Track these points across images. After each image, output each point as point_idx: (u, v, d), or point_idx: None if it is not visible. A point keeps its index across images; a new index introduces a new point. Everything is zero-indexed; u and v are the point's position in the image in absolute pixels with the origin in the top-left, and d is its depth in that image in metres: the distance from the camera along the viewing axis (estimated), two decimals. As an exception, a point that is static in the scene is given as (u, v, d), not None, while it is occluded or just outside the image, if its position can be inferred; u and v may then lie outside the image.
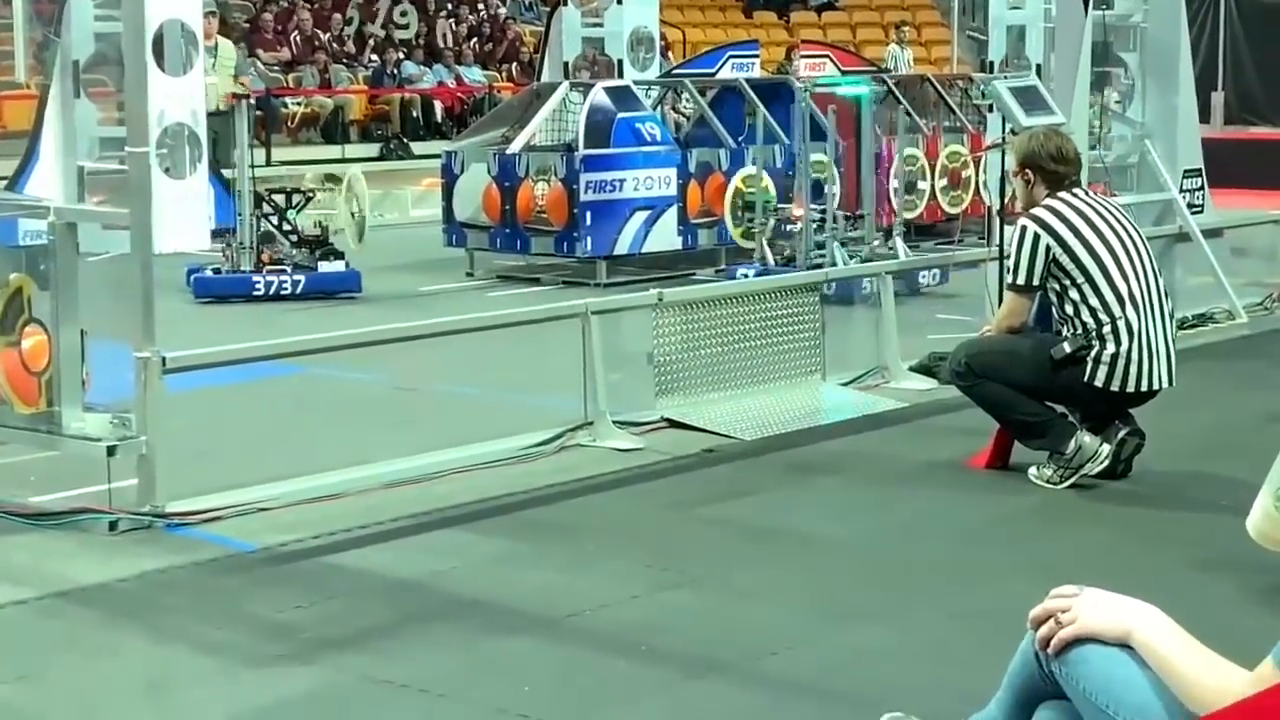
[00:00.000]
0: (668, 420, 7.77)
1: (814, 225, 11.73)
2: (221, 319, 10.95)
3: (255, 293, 11.56)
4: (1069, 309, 6.82)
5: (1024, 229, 6.81)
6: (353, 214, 12.31)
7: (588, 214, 12.30)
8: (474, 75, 24.18)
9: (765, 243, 11.94)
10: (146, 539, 6.02)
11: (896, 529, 6.33)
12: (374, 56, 23.55)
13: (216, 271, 11.71)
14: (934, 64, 27.69)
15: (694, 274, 12.77)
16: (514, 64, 25.24)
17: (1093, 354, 6.76)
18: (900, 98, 14.60)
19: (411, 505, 6.47)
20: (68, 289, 6.27)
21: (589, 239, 12.32)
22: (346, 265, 11.91)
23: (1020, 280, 6.83)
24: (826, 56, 16.36)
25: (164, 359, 6.13)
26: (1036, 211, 6.84)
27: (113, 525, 6.05)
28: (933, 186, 14.45)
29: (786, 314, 8.40)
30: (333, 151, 21.37)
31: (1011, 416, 6.91)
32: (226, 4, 22.68)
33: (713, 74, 15.88)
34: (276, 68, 22.39)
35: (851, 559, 5.96)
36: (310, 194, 12.43)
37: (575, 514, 6.51)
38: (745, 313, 8.23)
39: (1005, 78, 9.12)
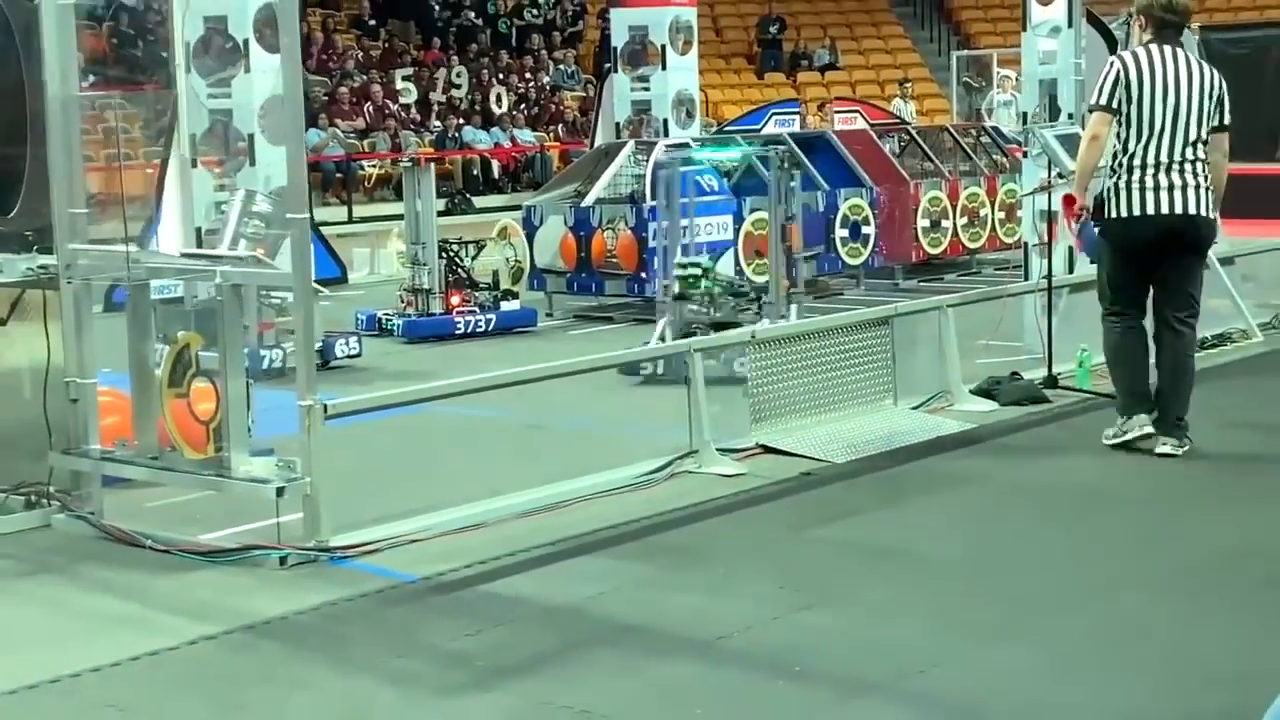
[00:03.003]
0: (763, 446, 7.45)
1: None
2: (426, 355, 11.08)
3: (457, 332, 11.62)
4: (1115, 141, 7.17)
5: (1111, 62, 7.23)
6: (507, 259, 12.28)
7: (656, 258, 11.97)
8: (526, 136, 23.93)
9: None
10: (314, 572, 5.71)
11: (1003, 545, 6.00)
12: (438, 122, 23.30)
13: (405, 316, 11.79)
14: (926, 115, 27.43)
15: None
16: (560, 125, 24.99)
17: (1109, 187, 7.15)
18: (923, 146, 14.31)
19: (547, 534, 6.15)
20: (234, 344, 5.96)
21: (657, 280, 11.98)
22: (522, 305, 12.13)
23: (1100, 101, 7.12)
24: (857, 111, 16.10)
25: (325, 406, 5.83)
26: (1124, 51, 7.36)
27: (283, 560, 5.75)
28: (954, 225, 14.15)
29: (863, 345, 8.09)
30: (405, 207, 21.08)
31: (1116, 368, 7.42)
32: (308, 80, 22.45)
33: (758, 129, 15.60)
34: (352, 135, 22.13)
35: (968, 576, 5.62)
36: (483, 244, 12.43)
37: (699, 538, 6.19)
38: (827, 345, 7.93)
39: (1051, 126, 8.80)
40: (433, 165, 12.15)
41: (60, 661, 4.83)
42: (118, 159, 7.67)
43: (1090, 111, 7.28)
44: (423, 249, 11.72)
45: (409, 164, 12.23)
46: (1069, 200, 7.41)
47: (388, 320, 11.78)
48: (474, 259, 12.17)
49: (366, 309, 12.16)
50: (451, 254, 11.97)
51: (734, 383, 8.20)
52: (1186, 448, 7.06)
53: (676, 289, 9.69)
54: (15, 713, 4.53)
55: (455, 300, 11.77)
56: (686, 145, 12.89)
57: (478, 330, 11.66)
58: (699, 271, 9.66)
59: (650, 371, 9.31)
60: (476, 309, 11.80)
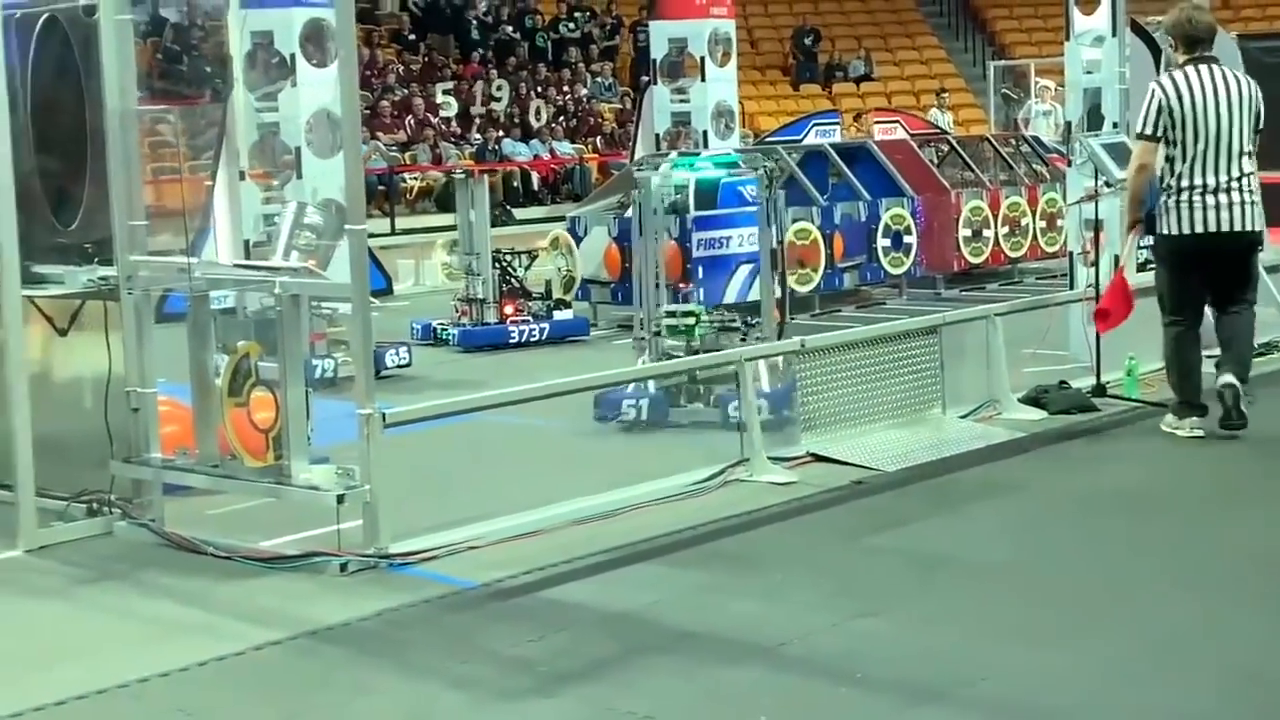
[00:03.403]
0: (813, 455, 7.44)
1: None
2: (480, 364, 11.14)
3: (511, 341, 11.70)
4: (1164, 161, 7.48)
5: (1152, 90, 7.53)
6: (558, 269, 12.37)
7: (699, 268, 12.02)
8: (564, 149, 23.98)
9: None
10: (374, 579, 5.74)
11: (1055, 552, 5.98)
12: (478, 135, 23.37)
13: (460, 326, 11.86)
14: (962, 125, 27.35)
15: (793, 319, 12.46)
16: (598, 138, 25.02)
17: (1161, 204, 7.48)
18: (964, 155, 14.29)
19: (603, 541, 6.16)
20: (293, 352, 6.00)
21: (701, 290, 12.00)
22: (574, 314, 12.14)
23: (1145, 130, 7.49)
24: (897, 121, 16.08)
25: (384, 415, 5.86)
26: (1162, 77, 7.64)
27: (343, 567, 5.78)
28: (996, 234, 14.13)
29: (911, 354, 8.09)
30: (447, 219, 21.18)
31: (1166, 372, 7.80)
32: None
33: (800, 140, 15.60)
34: (394, 148, 22.22)
35: (1022, 583, 5.60)
36: (535, 254, 12.57)
37: (753, 545, 6.19)
38: (876, 354, 7.93)
39: (1096, 135, 8.78)
40: (486, 177, 12.23)
41: (127, 667, 4.87)
42: (169, 172, 7.74)
43: (1136, 139, 7.62)
44: (476, 259, 11.83)
45: (462, 175, 12.35)
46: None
47: (443, 330, 11.89)
48: (527, 269, 12.27)
49: (421, 318, 12.29)
50: (504, 264, 12.09)
51: (728, 428, 7.69)
52: (1251, 400, 7.45)
53: (666, 336, 8.58)
54: (86, 717, 4.57)
55: (509, 310, 11.87)
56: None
57: (531, 339, 11.76)
58: (691, 321, 8.61)
59: (633, 418, 8.34)
60: (530, 318, 11.90)
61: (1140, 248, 8.52)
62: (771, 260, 8.85)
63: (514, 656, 4.91)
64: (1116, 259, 8.14)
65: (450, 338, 11.77)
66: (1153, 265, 9.09)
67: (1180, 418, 7.63)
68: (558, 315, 12.03)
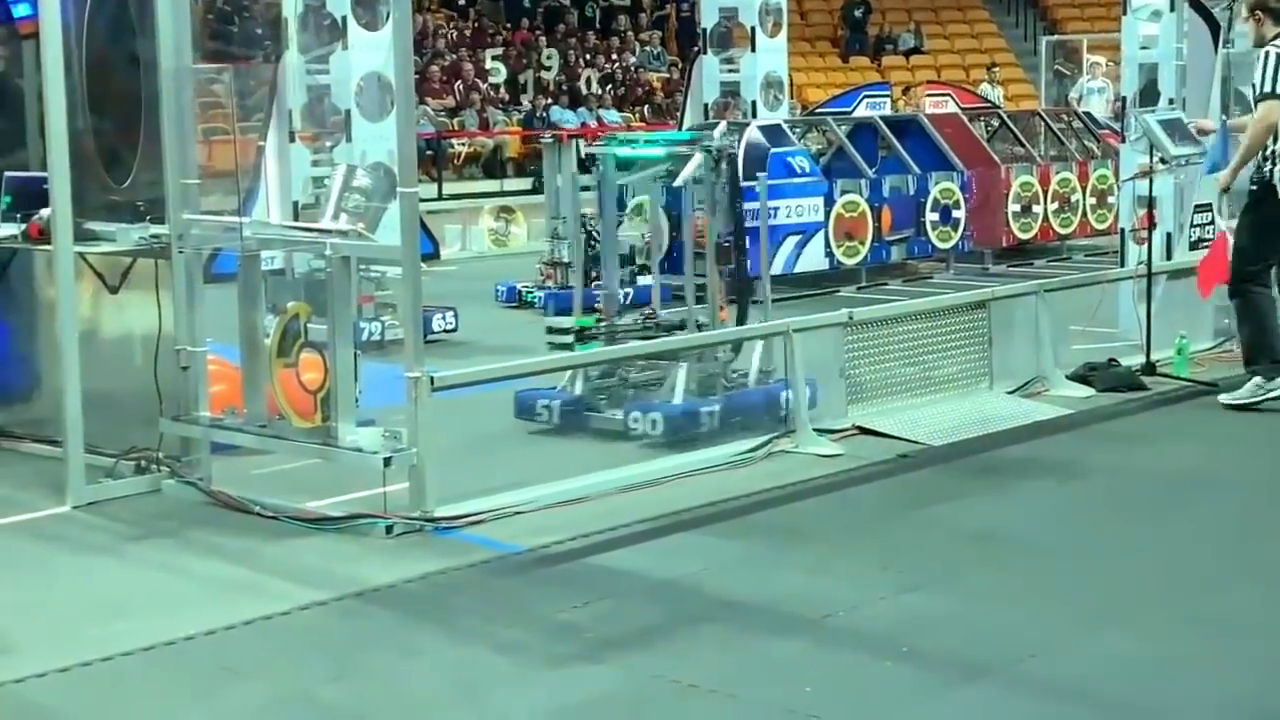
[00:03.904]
0: (859, 427, 7.39)
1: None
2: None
3: (596, 306, 11.52)
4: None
5: (1277, 55, 7.72)
6: (641, 235, 12.36)
7: (747, 238, 11.89)
8: (612, 117, 23.90)
9: None
10: (420, 542, 5.73)
11: (1103, 531, 5.91)
12: (526, 102, 23.34)
13: (545, 289, 11.83)
14: (1011, 100, 27.09)
15: (838, 291, 12.40)
16: (645, 106, 24.94)
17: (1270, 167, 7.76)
18: (1014, 130, 14.15)
19: (647, 509, 6.13)
20: (343, 314, 5.98)
21: (748, 260, 11.91)
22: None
23: (1277, 89, 7.68)
24: (948, 95, 15.92)
25: (432, 379, 5.84)
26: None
27: (389, 529, 5.77)
28: (1045, 210, 13.99)
29: (959, 329, 8.01)
30: (493, 185, 21.17)
31: (1251, 335, 7.89)
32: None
33: (849, 112, 15.47)
34: (443, 113, 22.19)
35: (1069, 561, 5.54)
36: (619, 220, 12.43)
37: (799, 517, 6.15)
38: (924, 328, 7.86)
39: (1152, 111, 8.66)
40: (575, 142, 12.16)
41: (174, 624, 4.87)
42: (220, 132, 7.71)
43: (1263, 99, 7.76)
44: (563, 224, 11.81)
45: (550, 140, 12.33)
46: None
47: (527, 292, 11.93)
48: None
49: (506, 281, 12.33)
50: (590, 229, 12.04)
51: (628, 439, 7.20)
52: None
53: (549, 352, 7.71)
54: (133, 674, 4.58)
55: (593, 274, 11.84)
56: (778, 126, 12.83)
57: None
58: (570, 339, 7.70)
59: (546, 419, 7.51)
60: None
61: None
62: (719, 252, 8.15)
63: (560, 622, 4.89)
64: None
65: (536, 300, 11.80)
66: (1205, 244, 9.00)
67: (1269, 379, 7.70)
68: (641, 280, 11.98)
